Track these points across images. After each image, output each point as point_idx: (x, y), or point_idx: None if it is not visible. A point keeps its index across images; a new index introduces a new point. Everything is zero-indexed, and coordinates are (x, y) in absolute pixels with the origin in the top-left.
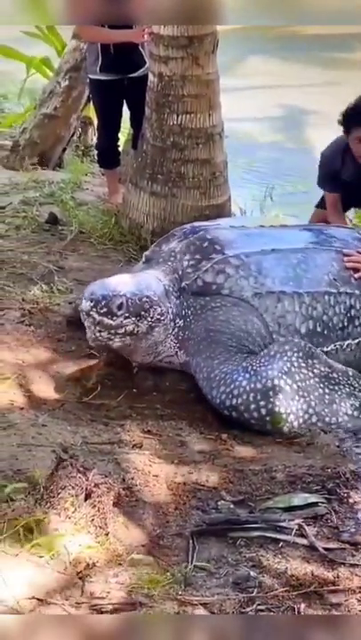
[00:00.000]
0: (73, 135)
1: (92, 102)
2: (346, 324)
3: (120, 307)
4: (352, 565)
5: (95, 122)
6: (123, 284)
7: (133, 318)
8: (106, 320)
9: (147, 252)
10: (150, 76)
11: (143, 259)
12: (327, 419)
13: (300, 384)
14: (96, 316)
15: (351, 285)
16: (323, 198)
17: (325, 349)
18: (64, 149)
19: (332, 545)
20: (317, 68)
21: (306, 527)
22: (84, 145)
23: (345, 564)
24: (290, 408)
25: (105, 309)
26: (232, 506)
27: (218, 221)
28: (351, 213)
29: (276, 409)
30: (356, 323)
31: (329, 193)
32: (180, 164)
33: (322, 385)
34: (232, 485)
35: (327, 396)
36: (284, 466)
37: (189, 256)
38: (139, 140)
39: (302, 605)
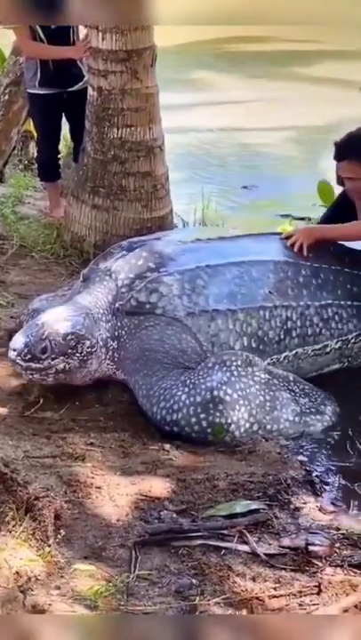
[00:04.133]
0: (14, 149)
1: (31, 116)
2: (282, 336)
3: (44, 350)
4: (293, 570)
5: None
6: (46, 325)
7: (61, 357)
8: (33, 365)
9: (84, 271)
10: (90, 90)
11: (81, 277)
12: (268, 426)
13: (241, 393)
14: (22, 363)
15: (287, 297)
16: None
17: None
18: (5, 163)
19: (273, 551)
20: (261, 81)
21: (247, 534)
22: (26, 159)
23: (286, 569)
24: (231, 418)
25: (29, 356)
26: (175, 515)
27: (157, 235)
28: None
29: (217, 420)
30: (293, 334)
31: None
32: (121, 176)
33: (263, 392)
34: (175, 495)
35: (268, 404)
36: (227, 474)
37: (124, 275)
38: (80, 153)
39: (244, 611)
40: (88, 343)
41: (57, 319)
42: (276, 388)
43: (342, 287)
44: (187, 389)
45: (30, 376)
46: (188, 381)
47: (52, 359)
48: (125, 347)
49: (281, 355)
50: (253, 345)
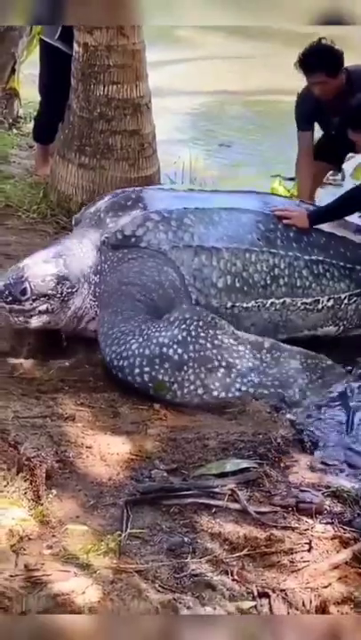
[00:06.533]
0: None
1: (39, 71)
2: (269, 282)
3: (24, 292)
4: (284, 528)
5: (20, 94)
6: (26, 267)
7: (43, 299)
8: (16, 306)
9: (76, 215)
10: (75, 47)
11: (73, 222)
12: (215, 392)
13: (193, 355)
14: (5, 305)
15: (276, 246)
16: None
17: (245, 305)
18: None
19: (263, 509)
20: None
21: (238, 492)
22: (10, 117)
23: (277, 527)
24: (175, 378)
25: (10, 297)
26: (165, 474)
27: (151, 187)
28: None
29: (160, 377)
30: (281, 282)
31: (302, 132)
32: (107, 135)
33: (219, 357)
34: (165, 454)
35: (222, 370)
36: (217, 433)
37: (112, 213)
38: (65, 111)
39: (235, 569)
40: (68, 283)
41: (36, 261)
42: (238, 355)
43: (335, 248)
44: (140, 340)
45: (15, 319)
46: (145, 331)
47: (34, 300)
48: (106, 280)
49: (267, 300)
50: (237, 285)
